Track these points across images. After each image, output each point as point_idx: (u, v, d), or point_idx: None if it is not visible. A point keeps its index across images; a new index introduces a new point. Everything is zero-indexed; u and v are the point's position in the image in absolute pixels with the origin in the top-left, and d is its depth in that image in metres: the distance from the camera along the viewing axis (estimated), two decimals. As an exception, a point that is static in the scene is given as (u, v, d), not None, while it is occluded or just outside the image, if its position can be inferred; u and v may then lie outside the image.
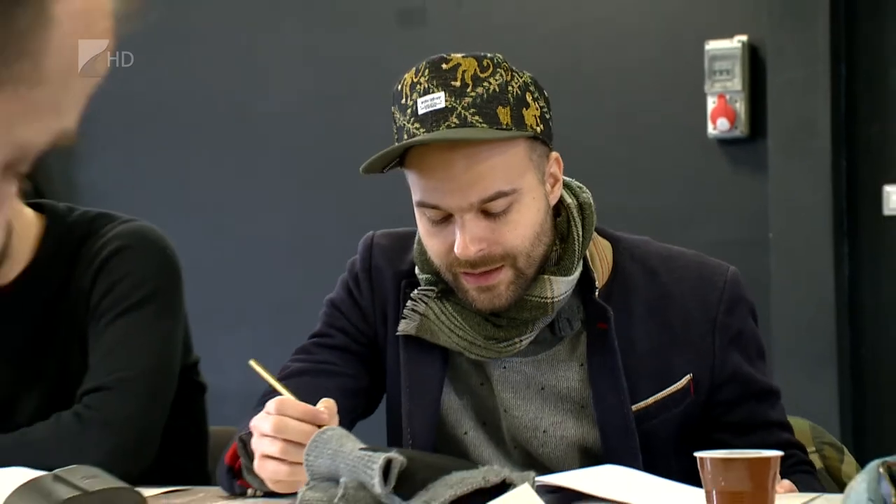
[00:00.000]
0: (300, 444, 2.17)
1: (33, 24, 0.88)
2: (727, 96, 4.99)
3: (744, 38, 5.00)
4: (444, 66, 2.40)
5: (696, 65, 5.04)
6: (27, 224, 2.89)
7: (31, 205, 2.92)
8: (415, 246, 2.57)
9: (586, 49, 5.04)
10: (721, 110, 4.99)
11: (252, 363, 2.40)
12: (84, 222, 2.95)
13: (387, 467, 2.07)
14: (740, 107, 4.99)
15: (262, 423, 2.24)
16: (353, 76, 5.47)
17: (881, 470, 1.71)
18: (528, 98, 2.44)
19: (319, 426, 2.20)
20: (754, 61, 5.01)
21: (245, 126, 5.63)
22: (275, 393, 2.36)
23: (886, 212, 4.94)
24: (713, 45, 5.01)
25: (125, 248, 2.90)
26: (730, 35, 5.01)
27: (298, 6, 5.56)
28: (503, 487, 2.07)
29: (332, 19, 5.54)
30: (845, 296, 4.94)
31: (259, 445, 2.25)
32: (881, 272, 4.98)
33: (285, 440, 2.20)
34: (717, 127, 5.01)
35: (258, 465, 2.26)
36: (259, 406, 2.45)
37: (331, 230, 5.36)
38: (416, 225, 2.58)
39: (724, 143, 5.06)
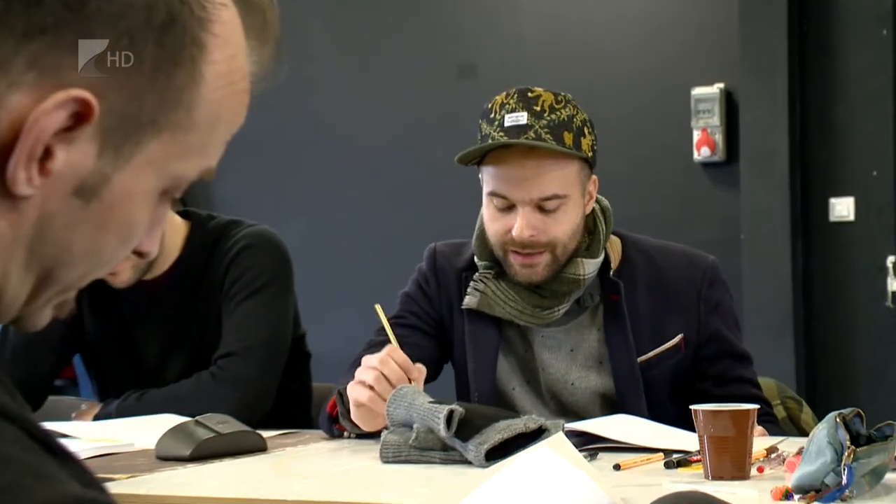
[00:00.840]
0: (389, 382, 2.21)
1: (188, 82, 0.87)
2: (708, 130, 4.98)
3: (721, 85, 4.99)
4: (529, 94, 2.41)
5: (684, 106, 5.03)
6: (176, 229, 2.90)
7: (179, 213, 2.94)
8: (473, 240, 2.56)
9: (601, 95, 5.01)
10: (704, 141, 4.98)
11: (377, 308, 2.44)
12: (219, 227, 2.96)
13: (449, 416, 2.07)
14: (719, 138, 4.98)
15: (371, 358, 2.27)
16: (424, 115, 5.47)
17: (837, 420, 1.67)
18: (586, 131, 2.45)
19: (409, 377, 2.25)
20: (729, 103, 4.99)
21: (343, 153, 5.65)
22: (367, 352, 2.38)
23: (831, 219, 4.93)
24: (698, 91, 5.00)
25: (249, 246, 2.91)
26: (710, 83, 5.00)
27: (386, 63, 5.56)
28: (540, 432, 2.05)
29: (409, 73, 5.54)
30: (800, 283, 4.91)
31: (360, 373, 2.27)
32: (827, 265, 4.95)
33: (382, 373, 2.22)
34: (700, 154, 5.00)
35: (350, 387, 2.28)
36: (351, 368, 2.44)
37: (408, 234, 5.35)
38: (467, 236, 2.62)
39: (706, 165, 5.04)
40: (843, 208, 4.90)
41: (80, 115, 0.81)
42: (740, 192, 4.93)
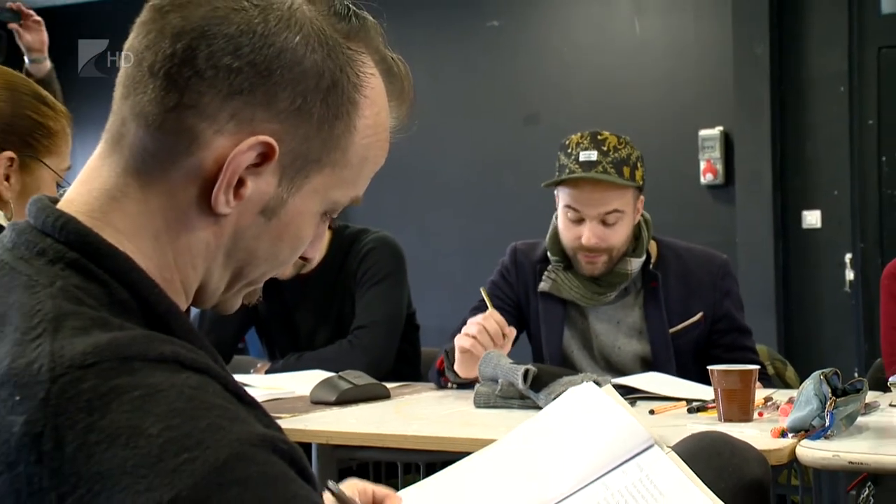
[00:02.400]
0: (488, 334, 2.22)
1: (344, 131, 0.86)
2: (711, 161, 4.95)
3: (721, 128, 4.96)
4: (599, 137, 2.40)
5: (693, 143, 5.00)
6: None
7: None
8: (547, 240, 2.54)
9: (632, 136, 4.90)
10: (708, 169, 4.94)
11: (482, 290, 2.43)
12: (352, 233, 2.95)
13: (525, 373, 2.05)
14: (719, 167, 4.94)
15: (475, 318, 2.27)
16: (499, 152, 5.47)
17: (821, 377, 1.63)
18: (639, 165, 2.44)
19: (504, 333, 2.24)
20: (727, 141, 4.96)
21: (440, 181, 5.66)
22: (461, 328, 2.35)
23: (804, 226, 4.91)
24: (703, 132, 4.97)
25: (374, 248, 2.90)
26: (713, 126, 4.97)
27: (471, 114, 5.56)
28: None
29: (488, 121, 5.53)
30: (780, 274, 4.87)
31: (466, 327, 2.27)
32: (800, 261, 4.90)
33: (484, 327, 2.23)
34: (705, 178, 4.96)
35: (459, 337, 2.27)
36: (452, 336, 2.43)
37: (484, 240, 5.35)
38: (536, 238, 2.59)
39: (710, 187, 4.99)
40: (812, 219, 4.86)
41: (265, 155, 0.82)
42: (735, 207, 4.88)
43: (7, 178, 1.64)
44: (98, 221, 0.81)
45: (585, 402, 1.38)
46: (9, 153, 1.63)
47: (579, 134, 2.41)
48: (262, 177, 0.83)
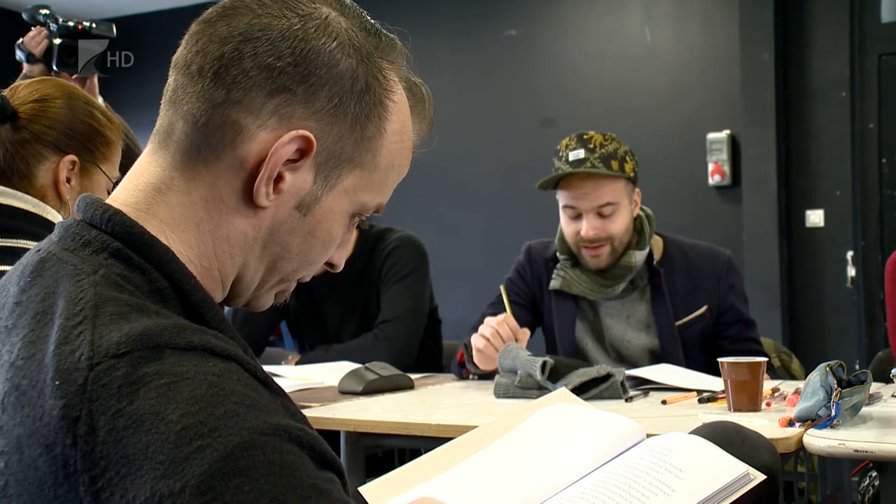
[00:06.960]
0: (501, 338, 2.22)
1: (375, 133, 0.87)
2: (719, 162, 4.91)
3: (728, 131, 4.92)
4: (584, 136, 2.40)
5: (701, 146, 4.97)
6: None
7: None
8: (556, 240, 2.54)
9: (644, 140, 4.94)
10: (716, 170, 4.91)
11: (501, 287, 2.44)
12: (377, 232, 2.95)
13: (543, 365, 2.05)
14: (726, 168, 4.91)
15: (492, 319, 2.27)
16: (517, 155, 5.44)
17: (827, 369, 1.60)
18: (628, 158, 2.41)
19: (516, 337, 2.24)
20: (734, 143, 4.92)
21: (461, 183, 5.64)
22: (486, 315, 2.35)
23: (807, 225, 4.86)
24: (711, 136, 4.94)
25: (398, 246, 2.90)
26: (720, 130, 4.93)
27: (491, 118, 5.54)
28: (607, 377, 2.00)
29: (503, 122, 5.51)
30: (785, 271, 4.84)
31: (482, 327, 2.27)
32: (804, 258, 4.86)
33: (497, 331, 2.23)
34: (713, 179, 4.93)
35: (474, 337, 2.27)
36: (472, 329, 2.42)
37: (502, 239, 5.33)
38: (551, 236, 2.57)
39: (718, 188, 4.96)
40: (815, 218, 4.82)
41: (303, 151, 0.83)
42: (742, 206, 4.85)
43: (68, 181, 1.66)
44: (143, 213, 0.82)
45: (567, 412, 1.35)
46: (72, 156, 1.65)
47: (568, 137, 2.42)
48: (300, 172, 0.83)
